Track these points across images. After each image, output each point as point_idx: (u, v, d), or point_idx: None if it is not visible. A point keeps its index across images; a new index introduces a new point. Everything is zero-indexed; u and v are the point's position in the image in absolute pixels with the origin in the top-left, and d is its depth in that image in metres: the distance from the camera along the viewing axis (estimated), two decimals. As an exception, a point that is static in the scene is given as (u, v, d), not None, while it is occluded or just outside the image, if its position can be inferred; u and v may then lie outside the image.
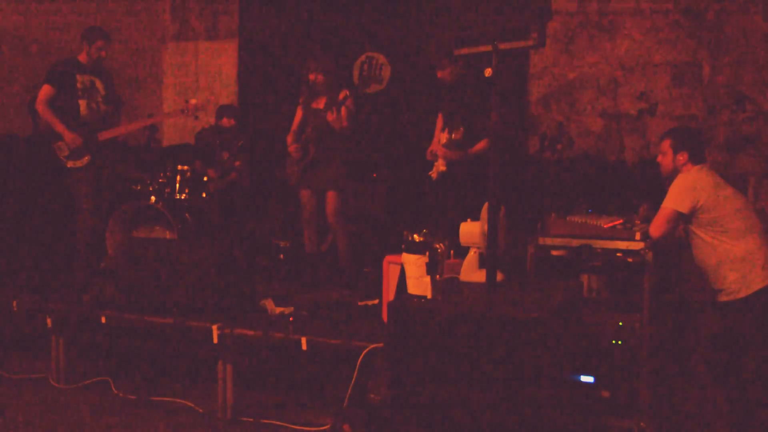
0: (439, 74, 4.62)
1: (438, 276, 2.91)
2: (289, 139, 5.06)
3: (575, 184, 5.60)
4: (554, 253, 3.91)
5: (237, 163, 5.91)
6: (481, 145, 4.43)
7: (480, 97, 4.43)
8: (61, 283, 4.94)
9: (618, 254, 3.74)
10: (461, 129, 4.35)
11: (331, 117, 4.77)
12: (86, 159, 4.87)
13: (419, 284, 2.92)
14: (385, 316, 3.76)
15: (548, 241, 3.89)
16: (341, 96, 4.83)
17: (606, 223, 3.80)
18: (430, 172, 4.61)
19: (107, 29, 5.10)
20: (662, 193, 3.60)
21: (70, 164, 4.87)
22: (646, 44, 5.75)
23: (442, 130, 4.65)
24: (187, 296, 4.14)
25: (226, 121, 6.02)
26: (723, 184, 3.54)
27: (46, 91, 4.83)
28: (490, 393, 2.62)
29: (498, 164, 2.98)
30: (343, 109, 4.81)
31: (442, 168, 4.49)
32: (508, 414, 2.60)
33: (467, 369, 2.65)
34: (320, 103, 4.97)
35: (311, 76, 4.94)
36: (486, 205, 3.23)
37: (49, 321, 4.35)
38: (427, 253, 2.91)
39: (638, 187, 5.38)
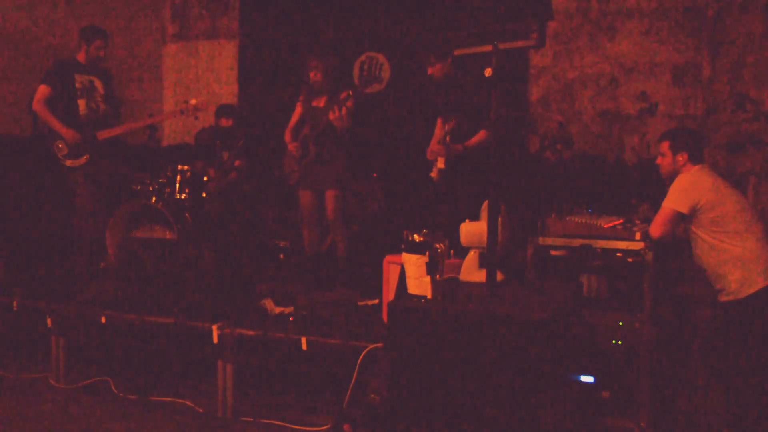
0: (429, 71, 4.62)
1: (438, 276, 2.91)
2: (287, 135, 5.06)
3: (575, 184, 5.60)
4: (554, 253, 3.91)
5: (237, 163, 5.90)
6: (478, 137, 4.42)
7: (471, 92, 4.44)
8: (61, 283, 4.94)
9: (618, 254, 3.74)
10: (453, 120, 4.35)
11: (332, 116, 4.76)
12: (85, 158, 4.87)
13: (419, 284, 2.92)
14: (385, 316, 3.77)
15: (548, 241, 3.89)
16: (343, 95, 4.82)
17: (606, 223, 3.80)
18: (430, 173, 4.61)
19: (107, 29, 5.10)
20: (662, 193, 3.59)
21: (68, 163, 4.88)
22: (646, 44, 5.75)
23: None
24: (187, 296, 4.15)
25: (224, 121, 6.02)
26: (723, 184, 3.54)
27: (42, 90, 4.84)
28: (490, 393, 2.62)
29: (499, 164, 2.98)
30: (344, 108, 4.81)
31: (442, 166, 4.49)
32: (508, 414, 2.60)
33: (467, 369, 2.65)
34: (320, 102, 4.97)
35: (311, 74, 4.94)
36: (485, 204, 3.23)
37: (49, 321, 4.35)
38: (427, 253, 2.91)
39: (638, 187, 5.37)
